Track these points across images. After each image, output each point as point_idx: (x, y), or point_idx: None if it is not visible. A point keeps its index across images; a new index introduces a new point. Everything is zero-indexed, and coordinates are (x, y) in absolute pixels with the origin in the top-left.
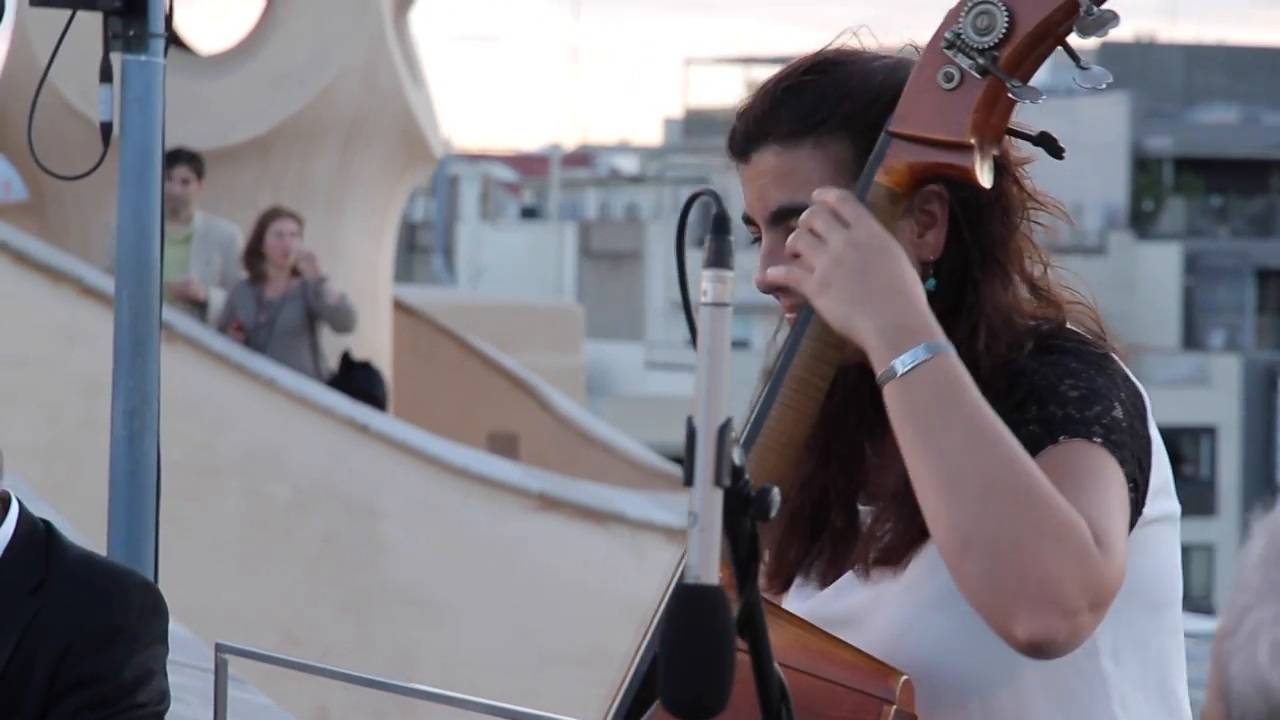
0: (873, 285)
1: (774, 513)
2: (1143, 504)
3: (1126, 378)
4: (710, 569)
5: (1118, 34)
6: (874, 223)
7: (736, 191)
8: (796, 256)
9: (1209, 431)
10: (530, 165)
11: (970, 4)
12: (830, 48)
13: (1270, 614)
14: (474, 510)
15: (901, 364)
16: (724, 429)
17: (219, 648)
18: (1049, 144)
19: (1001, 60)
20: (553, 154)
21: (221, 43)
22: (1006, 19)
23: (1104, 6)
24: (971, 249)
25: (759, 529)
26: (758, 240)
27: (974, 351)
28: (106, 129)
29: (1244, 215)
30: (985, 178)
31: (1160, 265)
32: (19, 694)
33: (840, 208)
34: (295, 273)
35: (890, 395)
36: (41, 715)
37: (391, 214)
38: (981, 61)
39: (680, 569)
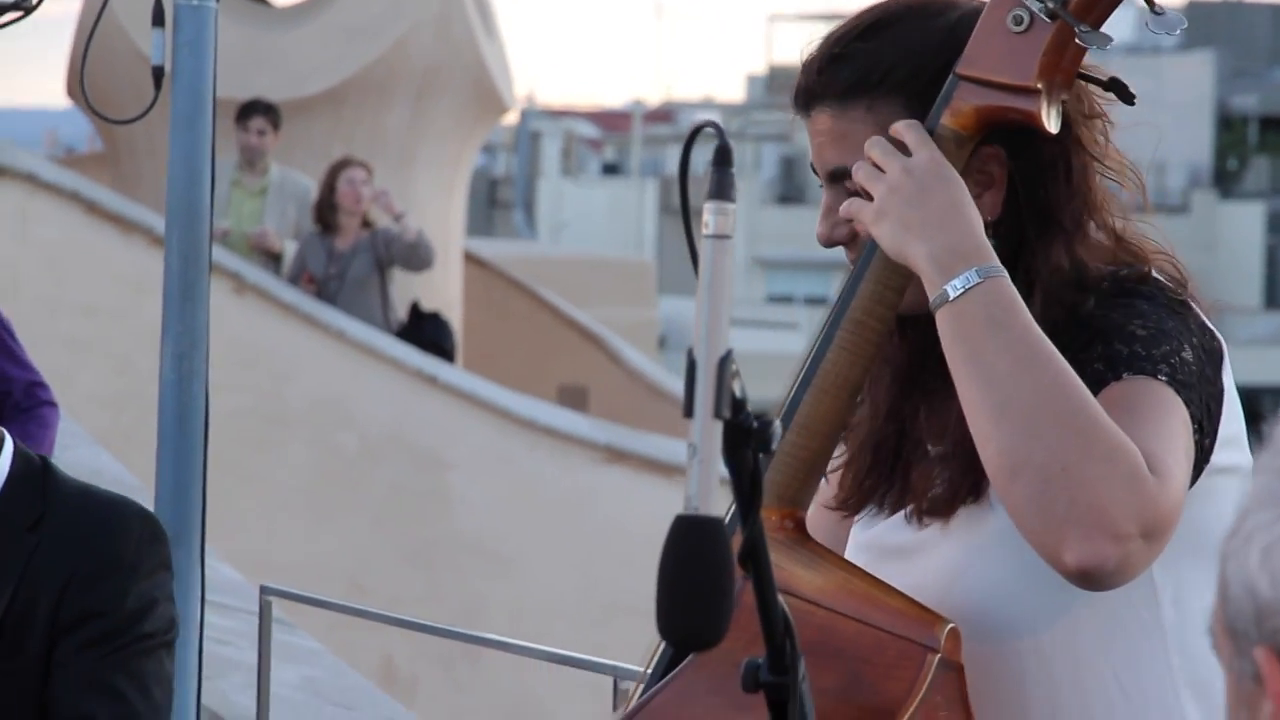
0: (928, 211)
1: (775, 445)
2: (1210, 451)
3: (1203, 325)
4: (710, 500)
5: None
6: (934, 150)
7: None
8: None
9: None
10: (613, 121)
11: None
12: (889, 3)
13: (1265, 519)
14: (541, 462)
15: (953, 288)
16: (724, 360)
17: (263, 590)
18: (1119, 89)
19: (1072, 4)
20: (635, 110)
21: None
22: None
23: None
24: (1027, 212)
25: (759, 462)
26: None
27: (1040, 310)
28: (159, 73)
29: None
30: (1052, 124)
31: (1243, 224)
32: (25, 632)
33: (905, 134)
34: (366, 224)
35: (942, 319)
36: (48, 652)
37: (463, 166)
38: (1051, 5)
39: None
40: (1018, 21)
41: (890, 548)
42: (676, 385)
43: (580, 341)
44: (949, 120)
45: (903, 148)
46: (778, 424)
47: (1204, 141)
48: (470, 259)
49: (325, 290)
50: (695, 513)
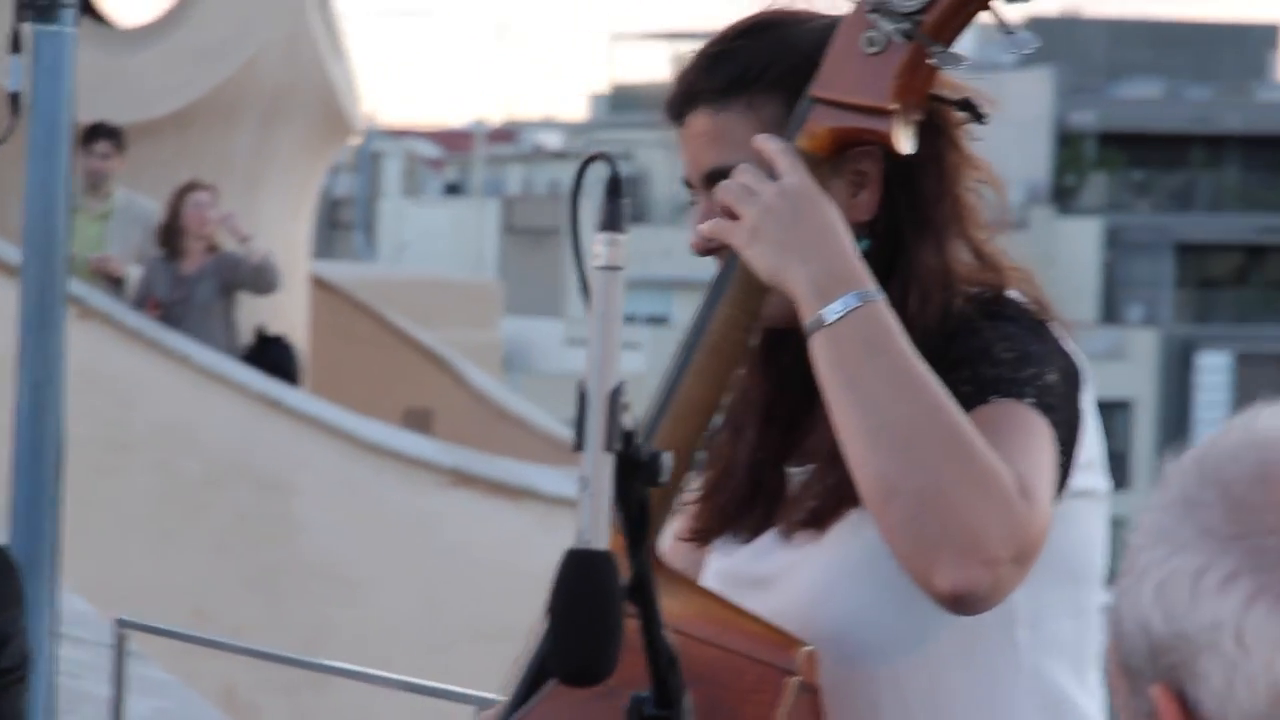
0: (803, 234)
1: (664, 478)
2: (1069, 473)
3: (1065, 351)
4: (600, 534)
5: (1042, 8)
6: (806, 173)
7: (659, 167)
8: (728, 211)
9: (1125, 406)
10: (454, 141)
11: None
12: (766, 10)
13: (1157, 556)
14: (387, 486)
15: (831, 312)
16: (615, 393)
17: (120, 623)
18: (972, 109)
19: (925, 25)
20: (477, 130)
21: (141, 16)
22: None
23: None
24: (904, 210)
25: (648, 494)
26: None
27: (905, 314)
28: (16, 100)
29: (1165, 190)
30: (906, 144)
31: (1080, 240)
32: None
33: (776, 157)
34: (212, 248)
35: (818, 344)
36: None
37: (310, 189)
38: (905, 26)
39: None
40: (871, 43)
41: (750, 577)
42: (521, 407)
43: (425, 364)
44: (804, 142)
45: (771, 167)
46: (668, 456)
47: (1042, 158)
48: (315, 282)
49: (170, 315)
50: (587, 546)
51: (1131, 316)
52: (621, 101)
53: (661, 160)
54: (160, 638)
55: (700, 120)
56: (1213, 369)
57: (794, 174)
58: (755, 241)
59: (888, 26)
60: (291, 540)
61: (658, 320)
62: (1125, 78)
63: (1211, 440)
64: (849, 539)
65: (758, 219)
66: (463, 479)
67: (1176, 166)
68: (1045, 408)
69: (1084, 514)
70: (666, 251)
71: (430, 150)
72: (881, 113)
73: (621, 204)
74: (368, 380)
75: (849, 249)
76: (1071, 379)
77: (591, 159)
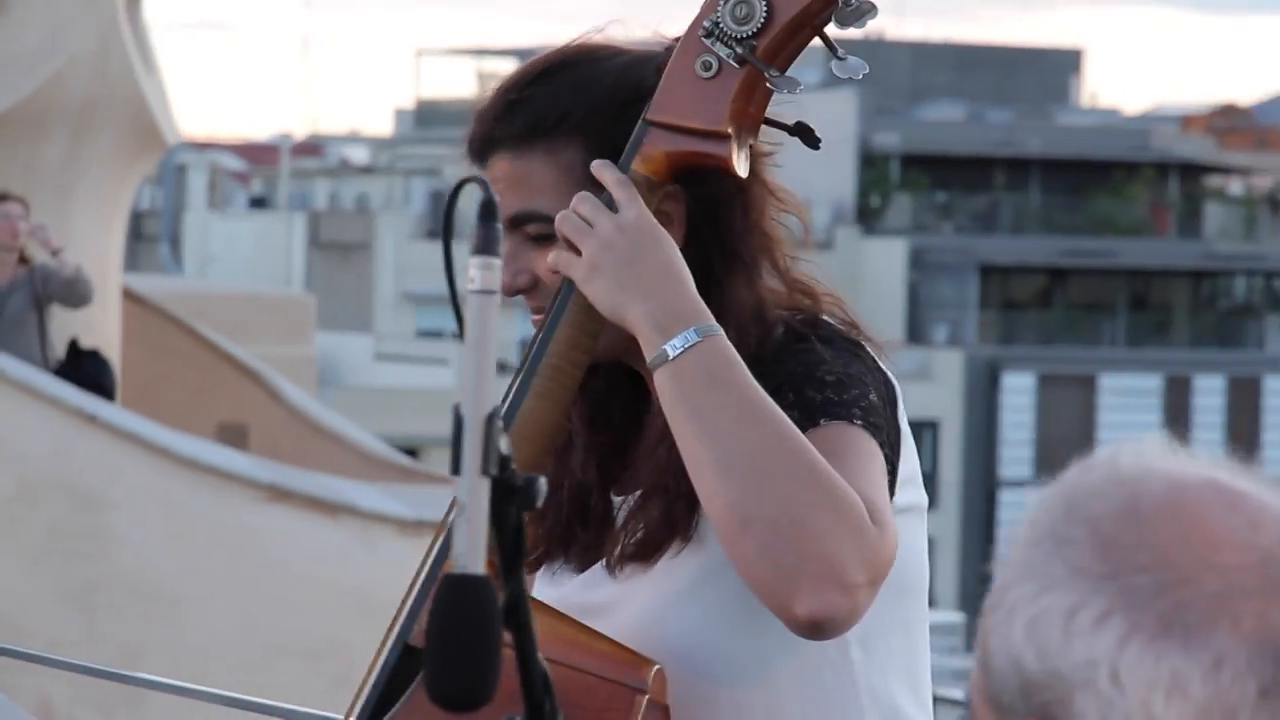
0: (642, 270)
1: (540, 502)
2: (893, 490)
3: (878, 367)
4: (476, 558)
5: (843, 31)
6: (643, 207)
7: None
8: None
9: (931, 426)
10: (259, 154)
11: None
12: (569, 45)
13: (1027, 592)
14: (203, 501)
15: (673, 348)
16: (491, 417)
17: None
18: (805, 134)
19: (760, 50)
20: (282, 143)
21: None
22: (765, 8)
23: None
24: (712, 247)
25: (523, 519)
26: None
27: None
28: None
29: (968, 211)
30: (742, 167)
31: (885, 260)
32: None
33: (615, 190)
34: (23, 260)
35: (661, 379)
36: None
37: (122, 202)
38: (740, 51)
39: (427, 562)
40: (706, 68)
41: (580, 606)
42: (336, 423)
43: (239, 379)
44: (640, 166)
45: (610, 200)
46: (543, 481)
47: (847, 179)
48: (127, 295)
49: None
50: (464, 571)
51: (937, 337)
52: (426, 117)
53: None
54: None
55: (500, 165)
56: (1017, 389)
57: (632, 207)
58: (594, 277)
59: (722, 51)
60: (107, 556)
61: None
62: (928, 100)
63: (1075, 476)
64: (677, 568)
65: (596, 255)
66: (279, 494)
67: (979, 189)
68: (872, 427)
69: (908, 529)
70: None
71: (235, 164)
72: (717, 136)
73: (495, 227)
74: (181, 395)
75: (688, 284)
76: (889, 398)
77: (464, 182)
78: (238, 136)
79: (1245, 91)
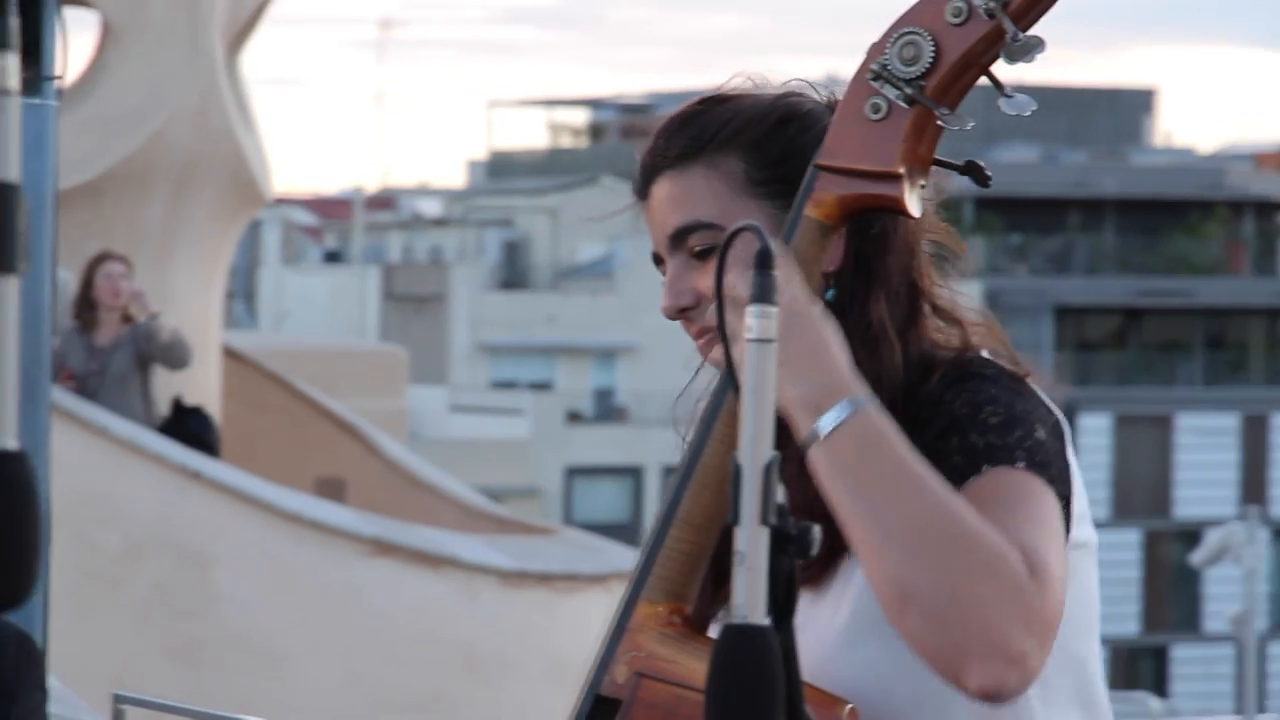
0: (792, 353)
1: (815, 550)
2: (1069, 527)
3: (1044, 403)
4: (758, 609)
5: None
6: (796, 285)
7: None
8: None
9: None
10: (331, 209)
11: (896, 34)
12: (713, 91)
13: None
14: (307, 556)
15: (824, 425)
16: (769, 466)
17: (117, 698)
18: (975, 173)
19: (929, 89)
20: (355, 197)
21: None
22: (933, 48)
23: (1030, 33)
24: (864, 277)
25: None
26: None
27: (874, 368)
28: None
29: (1043, 253)
30: (915, 207)
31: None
32: None
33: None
34: (126, 319)
35: (815, 456)
36: None
37: (222, 258)
38: (909, 91)
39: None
40: (875, 110)
41: None
42: (434, 475)
43: (336, 433)
44: (812, 211)
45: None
46: (816, 529)
47: None
48: (225, 351)
49: (86, 387)
50: (744, 621)
51: None
52: (499, 168)
53: (542, 226)
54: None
55: (662, 188)
56: (1093, 430)
57: (788, 287)
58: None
59: (891, 92)
60: (212, 611)
61: (540, 386)
62: (1002, 142)
63: None
64: (855, 597)
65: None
66: (383, 548)
67: (1054, 230)
68: (1039, 467)
69: (1080, 566)
70: (549, 318)
71: (306, 218)
72: (889, 177)
73: (772, 276)
74: (278, 450)
75: (838, 360)
76: (1057, 433)
77: (739, 230)
78: (309, 191)
79: None
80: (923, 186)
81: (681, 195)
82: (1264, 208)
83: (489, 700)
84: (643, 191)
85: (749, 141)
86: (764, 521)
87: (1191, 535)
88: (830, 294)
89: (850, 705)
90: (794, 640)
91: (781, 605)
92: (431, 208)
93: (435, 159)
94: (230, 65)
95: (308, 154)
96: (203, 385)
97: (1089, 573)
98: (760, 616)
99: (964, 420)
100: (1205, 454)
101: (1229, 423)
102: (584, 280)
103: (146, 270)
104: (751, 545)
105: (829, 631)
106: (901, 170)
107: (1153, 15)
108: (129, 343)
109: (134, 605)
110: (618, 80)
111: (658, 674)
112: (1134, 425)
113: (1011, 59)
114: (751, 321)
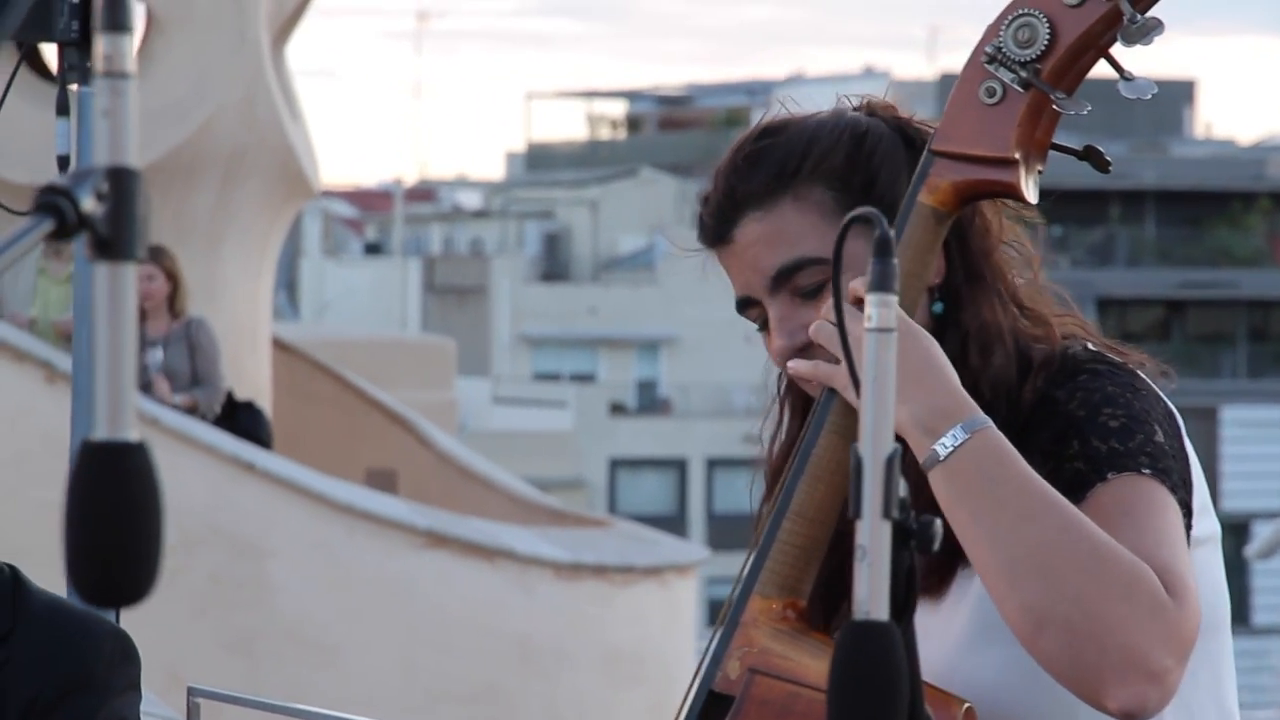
0: (903, 372)
1: (937, 544)
2: (1190, 530)
3: (1158, 396)
4: (880, 604)
5: (955, 66)
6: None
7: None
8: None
9: None
10: (371, 201)
11: (1011, 17)
12: (768, 119)
13: None
14: (361, 548)
15: (943, 448)
16: (891, 459)
17: (191, 691)
18: (1095, 158)
19: (1044, 73)
20: (395, 189)
21: None
22: (1048, 31)
23: (1149, 14)
24: (959, 269)
25: (916, 562)
26: (763, 328)
27: (966, 368)
28: (64, 163)
29: (1084, 245)
30: (1032, 193)
31: None
32: None
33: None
34: (176, 314)
35: (936, 480)
36: None
37: (271, 249)
38: (1024, 75)
39: (718, 632)
40: (990, 94)
41: None
42: (485, 467)
43: (387, 424)
44: (926, 198)
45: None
46: (938, 523)
47: None
48: (273, 342)
49: (138, 378)
50: (867, 617)
51: None
52: (538, 159)
53: (582, 218)
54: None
55: (750, 230)
56: None
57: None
58: (854, 386)
59: (1006, 76)
60: (266, 603)
61: (582, 378)
62: None
63: None
64: (975, 604)
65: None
66: (437, 540)
67: (1095, 222)
68: (1162, 473)
69: (1206, 561)
70: (591, 309)
71: (346, 210)
72: (1005, 163)
73: (891, 264)
74: (329, 441)
75: (950, 380)
76: (1173, 427)
77: (854, 219)
78: (349, 183)
79: None
80: (1040, 172)
81: (775, 234)
82: None
83: (544, 693)
84: (722, 237)
85: (830, 169)
86: (886, 515)
87: (1238, 528)
88: (938, 306)
89: (967, 704)
90: (914, 636)
91: (902, 601)
92: (471, 200)
93: (473, 151)
94: (276, 56)
95: (346, 146)
96: (253, 377)
97: (1215, 567)
98: (882, 612)
99: (1083, 423)
100: (1250, 446)
101: (1274, 415)
102: (625, 272)
103: (195, 261)
104: (873, 540)
105: (947, 639)
106: (1017, 155)
107: (1193, 6)
108: (181, 336)
109: (189, 597)
110: (652, 72)
111: (771, 670)
112: None
113: (1129, 41)
114: (871, 310)
